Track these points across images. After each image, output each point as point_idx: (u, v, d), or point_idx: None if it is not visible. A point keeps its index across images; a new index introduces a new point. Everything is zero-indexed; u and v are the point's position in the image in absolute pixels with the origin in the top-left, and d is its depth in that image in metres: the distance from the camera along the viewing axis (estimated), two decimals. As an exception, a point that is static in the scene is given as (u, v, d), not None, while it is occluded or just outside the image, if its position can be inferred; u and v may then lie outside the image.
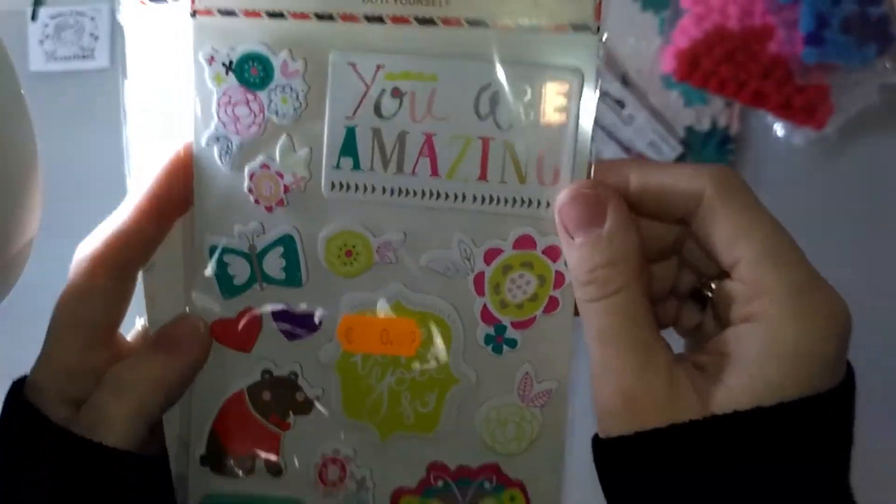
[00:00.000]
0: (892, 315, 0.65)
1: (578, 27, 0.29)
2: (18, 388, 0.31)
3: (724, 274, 0.29)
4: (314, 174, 0.31)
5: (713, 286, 0.31)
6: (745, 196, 0.28)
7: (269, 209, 0.32)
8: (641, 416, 0.27)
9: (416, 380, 0.33)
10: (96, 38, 0.65)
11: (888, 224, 0.67)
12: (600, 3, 0.29)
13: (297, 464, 0.34)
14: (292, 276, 0.32)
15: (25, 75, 0.31)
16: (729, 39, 0.63)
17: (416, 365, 0.33)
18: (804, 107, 0.64)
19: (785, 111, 0.64)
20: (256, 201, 0.32)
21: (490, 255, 0.32)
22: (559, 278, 0.32)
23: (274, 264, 0.32)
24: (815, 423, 0.26)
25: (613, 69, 0.65)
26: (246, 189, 0.31)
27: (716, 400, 0.27)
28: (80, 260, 0.31)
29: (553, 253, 0.31)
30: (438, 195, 0.31)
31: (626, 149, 0.65)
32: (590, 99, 0.30)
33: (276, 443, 0.34)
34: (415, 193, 0.31)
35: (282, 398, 0.33)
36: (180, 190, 0.31)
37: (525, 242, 0.31)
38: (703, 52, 0.63)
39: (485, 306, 0.32)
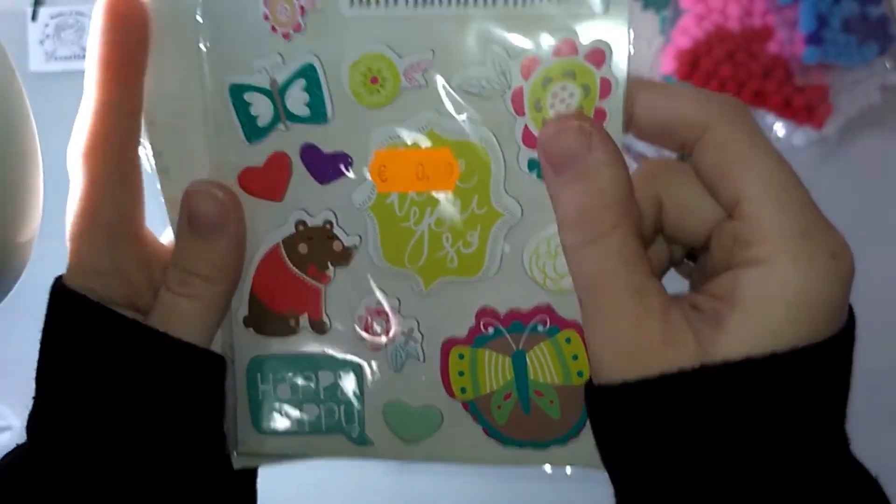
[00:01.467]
0: (892, 314, 0.59)
1: None
2: (64, 289, 0.26)
3: (721, 218, 0.25)
4: (332, -9, 0.26)
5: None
6: (751, 130, 0.24)
7: (287, 36, 0.26)
8: (636, 364, 0.23)
9: (455, 217, 0.27)
10: (97, 37, 0.61)
11: (888, 224, 0.62)
12: None
13: (341, 319, 0.28)
14: (317, 112, 0.27)
15: (25, 75, 0.28)
16: (729, 39, 0.58)
17: (456, 201, 0.27)
18: (804, 107, 0.59)
19: (785, 111, 0.59)
20: (273, 29, 0.26)
21: (528, 67, 0.25)
22: (605, 86, 0.25)
23: (297, 99, 0.27)
24: (815, 372, 0.23)
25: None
26: (262, 16, 0.26)
27: (715, 344, 0.23)
28: (71, 162, 0.27)
29: (597, 58, 0.25)
30: (466, 1, 0.25)
31: (626, 149, 0.58)
32: None
33: (317, 298, 0.28)
34: (440, 2, 0.25)
35: (319, 249, 0.28)
36: (132, 42, 0.26)
37: (566, 48, 0.25)
38: (704, 52, 0.58)
39: (526, 127, 0.26)
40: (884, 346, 0.58)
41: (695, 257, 0.28)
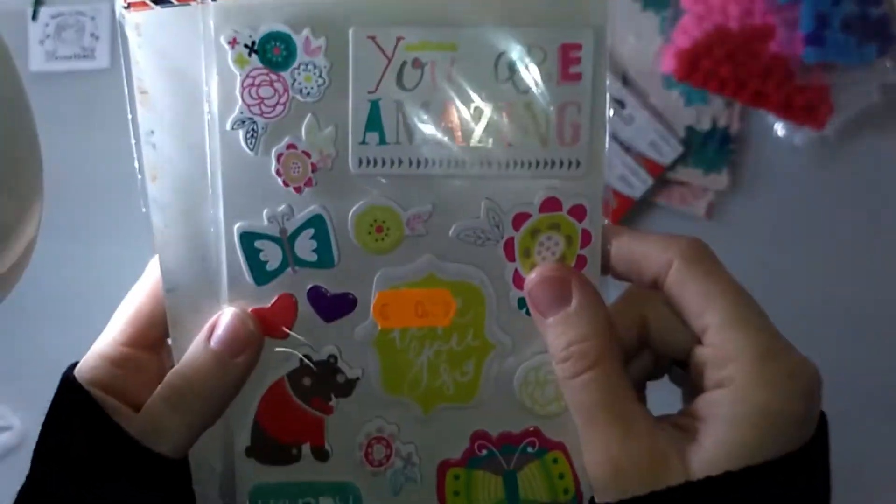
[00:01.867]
0: (892, 314, 0.60)
1: (590, -15, 0.27)
2: (74, 382, 0.28)
3: (695, 341, 0.28)
4: (340, 151, 0.28)
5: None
6: (711, 265, 0.27)
7: (298, 190, 0.28)
8: (628, 483, 0.26)
9: (454, 350, 0.29)
10: (97, 37, 0.59)
11: (888, 224, 0.62)
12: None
13: (342, 446, 0.30)
14: (324, 257, 0.28)
15: (26, 75, 0.27)
16: (729, 39, 0.57)
17: (453, 335, 0.29)
18: (804, 107, 0.58)
19: (785, 111, 0.58)
20: (285, 183, 0.28)
21: (518, 220, 0.28)
22: (585, 237, 0.28)
23: (305, 246, 0.28)
24: (789, 480, 0.25)
25: (613, 69, 0.60)
26: (273, 171, 0.28)
27: (696, 461, 0.25)
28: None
29: (578, 212, 0.28)
30: (464, 163, 0.28)
31: (627, 149, 0.60)
32: (603, 56, 0.27)
33: (320, 427, 0.29)
34: (440, 163, 0.28)
35: (323, 382, 0.29)
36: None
37: (551, 204, 0.28)
38: (704, 52, 0.57)
39: (516, 271, 0.29)
40: (884, 346, 0.60)
41: (684, 365, 0.31)
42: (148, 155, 0.28)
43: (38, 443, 0.28)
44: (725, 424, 0.26)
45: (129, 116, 0.27)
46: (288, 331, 0.29)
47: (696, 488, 0.25)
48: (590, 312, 0.27)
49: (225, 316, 0.28)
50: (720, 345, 0.26)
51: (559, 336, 0.27)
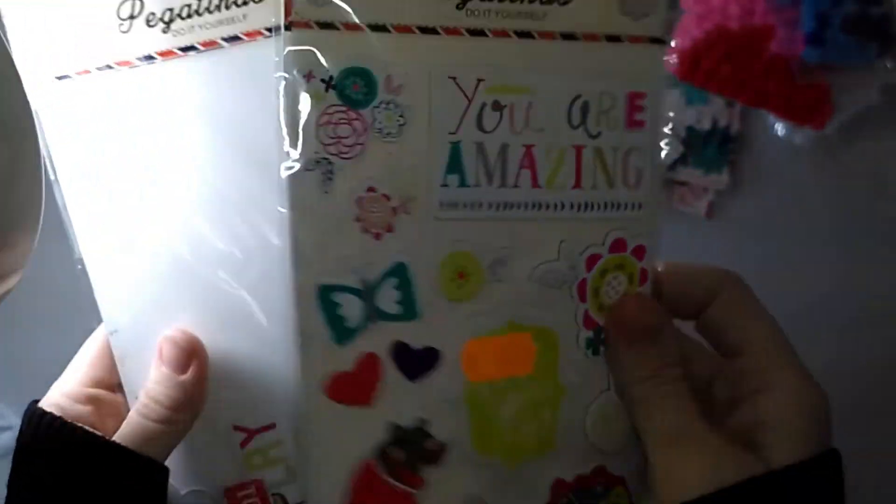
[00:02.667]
0: (891, 314, 0.59)
1: (654, 40, 0.28)
2: (38, 409, 0.29)
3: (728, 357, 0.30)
4: (420, 194, 0.26)
5: None
6: (751, 295, 0.30)
7: (378, 236, 0.25)
8: (714, 477, 0.26)
9: (533, 398, 0.28)
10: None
11: (888, 224, 0.59)
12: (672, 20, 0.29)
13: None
14: (409, 309, 0.26)
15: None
16: (730, 39, 0.55)
17: (533, 382, 0.28)
18: (805, 107, 0.56)
19: (785, 111, 0.57)
20: (364, 229, 0.25)
21: (591, 261, 0.28)
22: (643, 275, 0.29)
23: (388, 298, 0.25)
24: (835, 471, 0.27)
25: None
26: (353, 217, 0.25)
27: (763, 459, 0.26)
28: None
29: (639, 252, 0.29)
30: (540, 206, 0.27)
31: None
32: (663, 105, 0.29)
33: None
34: (518, 206, 0.27)
35: (412, 452, 0.26)
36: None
37: (618, 245, 0.29)
38: (704, 52, 0.55)
39: (586, 312, 0.28)
40: (883, 345, 0.59)
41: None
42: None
43: (13, 474, 0.28)
44: (782, 423, 0.27)
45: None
46: (372, 397, 0.25)
47: (773, 480, 0.26)
48: (675, 340, 0.28)
49: (162, 340, 0.29)
50: (765, 354, 0.28)
51: (643, 359, 0.28)
